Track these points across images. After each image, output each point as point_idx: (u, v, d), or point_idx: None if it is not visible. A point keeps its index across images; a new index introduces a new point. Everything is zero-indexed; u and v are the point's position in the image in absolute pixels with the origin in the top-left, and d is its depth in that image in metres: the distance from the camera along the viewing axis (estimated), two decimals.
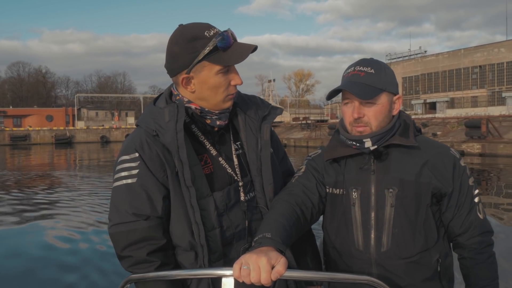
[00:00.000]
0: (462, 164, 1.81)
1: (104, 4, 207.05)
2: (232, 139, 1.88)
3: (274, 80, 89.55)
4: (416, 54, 77.63)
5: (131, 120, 78.46)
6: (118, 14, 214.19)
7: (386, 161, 1.79)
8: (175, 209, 1.71)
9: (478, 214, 1.80)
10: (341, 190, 1.85)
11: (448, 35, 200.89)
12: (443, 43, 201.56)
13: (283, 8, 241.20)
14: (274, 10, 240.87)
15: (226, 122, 1.82)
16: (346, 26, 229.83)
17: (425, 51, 77.32)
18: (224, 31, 1.68)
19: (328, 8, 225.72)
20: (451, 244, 1.89)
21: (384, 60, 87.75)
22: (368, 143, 1.75)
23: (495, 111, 46.95)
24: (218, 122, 1.78)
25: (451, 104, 65.37)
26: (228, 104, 1.78)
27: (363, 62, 1.78)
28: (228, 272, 1.35)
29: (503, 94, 55.64)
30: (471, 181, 1.81)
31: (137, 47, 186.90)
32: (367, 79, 1.72)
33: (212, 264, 1.72)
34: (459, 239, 1.82)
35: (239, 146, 1.89)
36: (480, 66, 65.95)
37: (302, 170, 1.97)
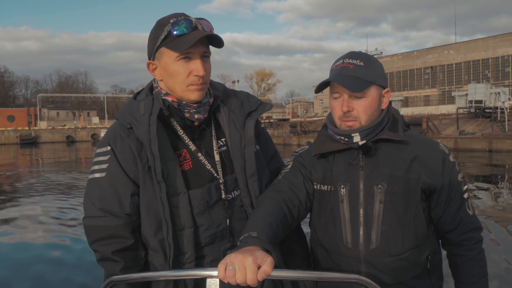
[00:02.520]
0: (451, 160, 1.78)
1: (61, 4, 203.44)
2: (216, 135, 1.82)
3: (238, 81, 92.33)
4: (373, 55, 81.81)
5: (95, 120, 77.73)
6: (75, 12, 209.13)
7: (375, 156, 1.75)
8: (145, 205, 1.68)
9: (468, 210, 1.77)
10: (329, 186, 1.80)
11: (405, 35, 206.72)
12: (400, 42, 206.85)
13: (244, 7, 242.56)
14: (235, 9, 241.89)
15: (205, 116, 1.76)
16: (307, 25, 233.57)
17: (381, 52, 79.86)
18: (187, 18, 1.65)
19: (289, 7, 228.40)
20: (440, 241, 1.86)
21: None
22: (356, 138, 1.71)
23: (446, 109, 50.35)
24: (196, 116, 1.73)
25: (406, 103, 68.39)
26: (194, 95, 1.69)
27: (352, 55, 1.74)
28: (213, 272, 1.30)
29: (453, 93, 59.11)
30: (460, 176, 1.78)
31: (96, 45, 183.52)
32: (356, 72, 1.68)
33: (182, 266, 1.67)
34: (449, 236, 1.79)
35: (224, 143, 1.82)
36: (431, 67, 68.94)
37: (289, 166, 1.91)
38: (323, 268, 1.85)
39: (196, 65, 1.66)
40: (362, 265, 1.74)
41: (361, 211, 1.74)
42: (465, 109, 36.72)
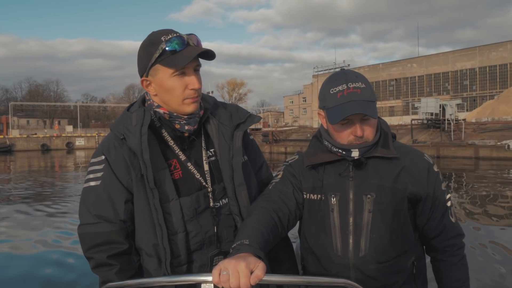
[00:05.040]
0: (435, 170, 1.85)
1: (26, 10, 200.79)
2: (205, 146, 1.87)
3: (212, 92, 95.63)
4: (341, 67, 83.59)
5: (69, 128, 77.41)
6: (42, 19, 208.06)
7: (364, 168, 1.80)
8: (139, 212, 1.75)
9: (451, 217, 1.85)
10: (319, 195, 1.85)
11: (373, 46, 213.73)
12: (368, 53, 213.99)
13: (215, 16, 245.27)
14: (205, 18, 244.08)
15: (195, 127, 1.81)
16: (277, 35, 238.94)
17: (348, 65, 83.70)
18: (179, 35, 1.70)
19: (259, 17, 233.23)
20: (424, 247, 1.93)
21: (312, 72, 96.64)
22: (355, 153, 1.75)
23: (409, 119, 55.85)
24: (186, 127, 1.79)
25: None
26: (190, 108, 1.76)
27: (350, 78, 1.73)
28: (207, 278, 1.36)
29: (416, 105, 62.81)
30: (443, 185, 1.85)
31: (64, 52, 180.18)
32: (365, 95, 1.70)
33: (175, 269, 1.73)
34: (433, 242, 1.86)
35: (213, 153, 1.88)
36: (396, 79, 72.61)
37: (279, 176, 1.96)
38: (314, 274, 1.91)
39: (191, 80, 1.73)
40: (352, 272, 1.79)
41: (351, 220, 1.79)
42: (419, 120, 40.32)
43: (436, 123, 38.38)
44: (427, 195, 1.82)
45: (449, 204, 1.88)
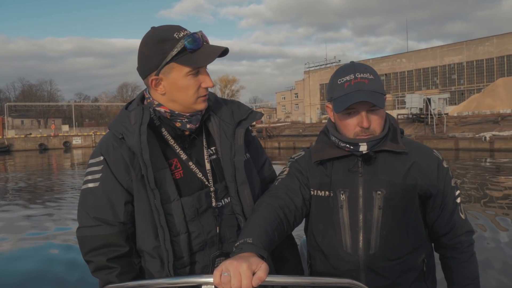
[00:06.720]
0: (445, 166, 1.82)
1: (15, 11, 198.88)
2: (206, 144, 1.83)
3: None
4: (332, 63, 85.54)
5: (65, 128, 78.04)
6: (31, 18, 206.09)
7: (374, 163, 1.76)
8: (140, 213, 1.70)
9: (460, 214, 1.82)
10: (327, 192, 1.81)
11: (364, 41, 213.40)
12: (360, 48, 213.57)
13: (206, 12, 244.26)
14: (196, 14, 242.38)
15: (197, 125, 1.77)
16: (268, 30, 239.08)
17: (339, 61, 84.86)
18: (194, 33, 1.66)
19: (250, 12, 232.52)
20: (433, 244, 1.90)
21: (303, 67, 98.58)
22: (363, 147, 1.72)
23: (399, 113, 57.78)
24: (188, 126, 1.74)
25: None
26: (201, 106, 1.73)
27: (359, 68, 1.71)
28: (208, 279, 1.32)
29: (405, 99, 65.65)
30: (453, 182, 1.82)
31: (53, 51, 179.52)
32: (373, 86, 1.68)
33: (177, 271, 1.69)
34: (442, 239, 1.83)
35: (214, 152, 1.84)
36: (385, 74, 74.01)
37: (285, 172, 1.91)
38: (322, 273, 1.87)
39: (205, 78, 1.70)
40: (361, 270, 1.76)
41: (361, 216, 1.76)
42: (404, 115, 41.90)
43: (420, 117, 39.93)
44: (437, 191, 1.79)
45: (458, 200, 1.84)
